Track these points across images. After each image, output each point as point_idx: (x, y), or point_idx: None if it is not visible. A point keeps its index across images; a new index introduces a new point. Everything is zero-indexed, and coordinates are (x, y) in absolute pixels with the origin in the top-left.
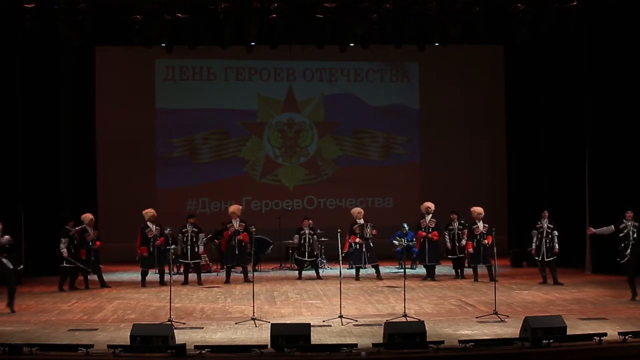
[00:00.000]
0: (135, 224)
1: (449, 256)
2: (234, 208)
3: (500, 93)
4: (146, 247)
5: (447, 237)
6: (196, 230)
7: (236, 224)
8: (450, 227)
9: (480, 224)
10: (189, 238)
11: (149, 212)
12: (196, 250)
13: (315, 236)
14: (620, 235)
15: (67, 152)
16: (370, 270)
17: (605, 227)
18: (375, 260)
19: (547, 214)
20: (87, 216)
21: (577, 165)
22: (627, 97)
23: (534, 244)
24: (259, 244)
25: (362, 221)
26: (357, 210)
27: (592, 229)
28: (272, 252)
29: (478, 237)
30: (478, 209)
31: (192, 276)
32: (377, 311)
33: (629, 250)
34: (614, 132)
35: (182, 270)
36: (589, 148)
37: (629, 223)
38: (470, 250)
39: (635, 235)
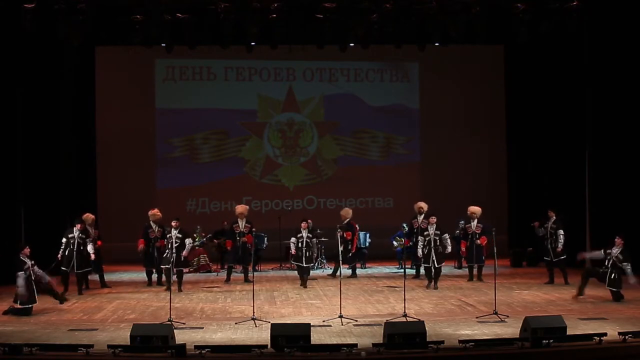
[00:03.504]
0: (135, 224)
1: (424, 264)
2: (241, 208)
3: (500, 93)
4: (144, 241)
5: (420, 243)
6: (180, 236)
7: (242, 224)
8: (426, 232)
9: (474, 224)
10: (173, 244)
11: (154, 213)
12: (181, 258)
13: (314, 240)
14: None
15: (67, 152)
16: (370, 271)
17: (596, 252)
18: (351, 261)
19: (551, 214)
20: (89, 216)
21: (577, 165)
22: (628, 96)
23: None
24: (257, 241)
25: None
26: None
27: (584, 254)
28: (272, 252)
29: (470, 236)
30: (471, 209)
31: (189, 277)
32: (377, 311)
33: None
34: (614, 132)
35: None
36: (589, 148)
37: (614, 250)
38: (463, 249)
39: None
